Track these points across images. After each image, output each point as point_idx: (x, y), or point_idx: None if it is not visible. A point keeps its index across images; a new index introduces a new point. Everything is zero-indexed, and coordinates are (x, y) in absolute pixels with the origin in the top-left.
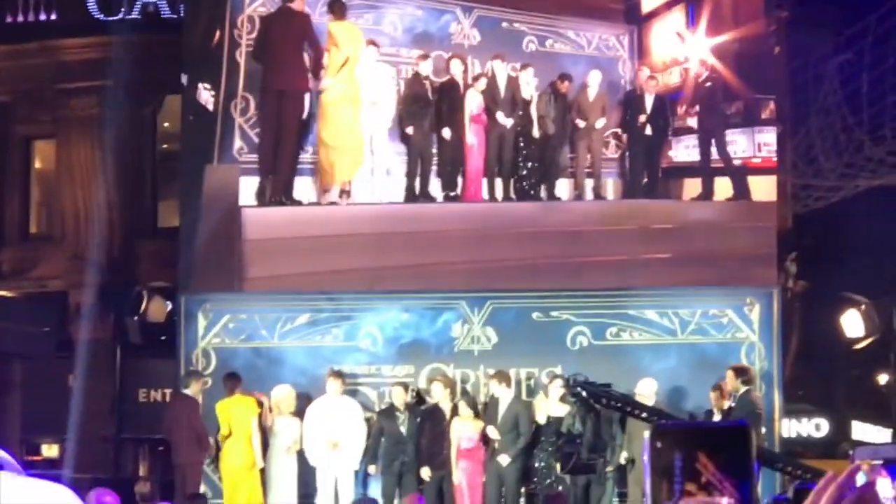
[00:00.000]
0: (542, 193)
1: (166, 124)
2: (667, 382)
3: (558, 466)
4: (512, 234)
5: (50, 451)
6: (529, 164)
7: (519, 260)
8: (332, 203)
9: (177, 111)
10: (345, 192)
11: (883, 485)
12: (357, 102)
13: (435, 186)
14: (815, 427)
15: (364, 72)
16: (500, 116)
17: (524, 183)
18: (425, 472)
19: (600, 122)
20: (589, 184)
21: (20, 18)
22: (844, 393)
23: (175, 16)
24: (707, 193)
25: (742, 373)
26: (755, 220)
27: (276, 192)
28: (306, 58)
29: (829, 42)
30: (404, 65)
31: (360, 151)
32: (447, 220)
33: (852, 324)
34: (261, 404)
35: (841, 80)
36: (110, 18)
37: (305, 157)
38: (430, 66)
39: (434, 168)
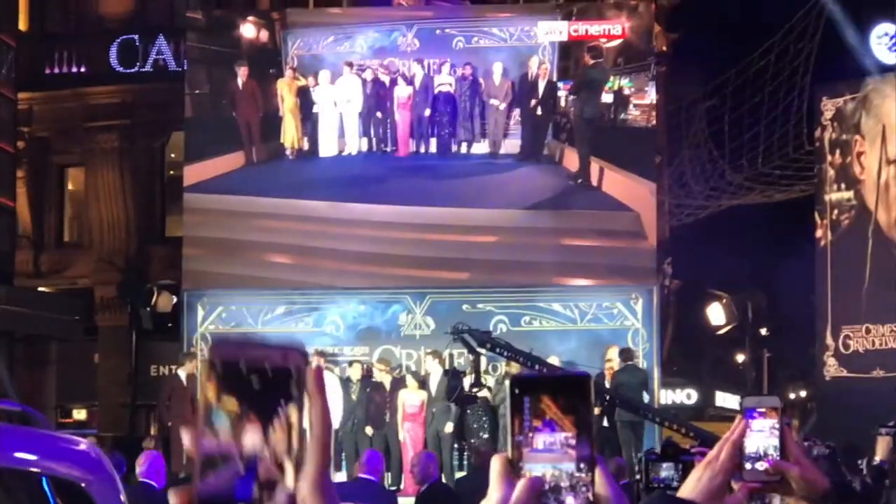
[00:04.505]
0: (463, 149)
1: (172, 155)
2: (569, 359)
3: (486, 426)
4: (446, 243)
5: (79, 414)
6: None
7: (452, 261)
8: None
9: (181, 144)
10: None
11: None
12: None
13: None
14: (686, 396)
15: (343, 81)
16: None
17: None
18: (368, 430)
19: (502, 105)
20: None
21: (56, 70)
22: (709, 369)
23: (179, 68)
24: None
25: (625, 353)
26: (639, 230)
27: None
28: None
29: (699, 91)
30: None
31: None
32: (394, 227)
33: (716, 314)
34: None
35: (707, 120)
36: (129, 71)
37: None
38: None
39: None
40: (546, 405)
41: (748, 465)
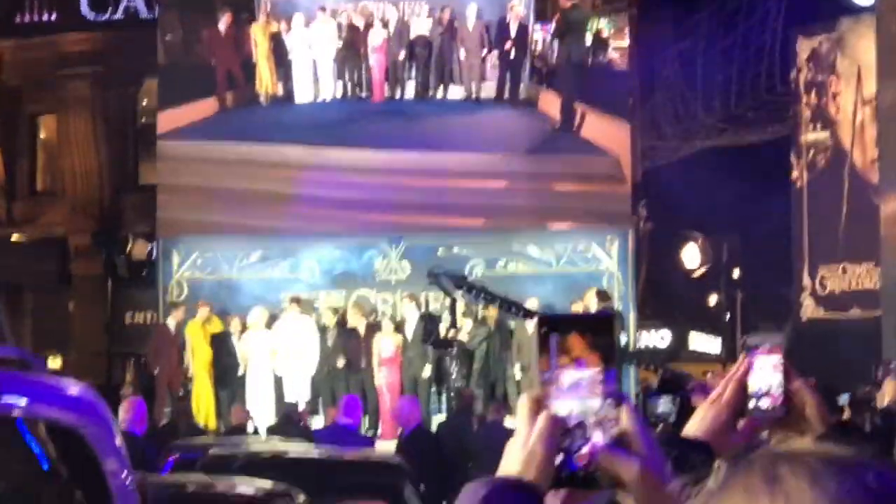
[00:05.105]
0: (439, 94)
1: (145, 102)
2: (545, 302)
3: (463, 369)
4: (422, 188)
5: (54, 363)
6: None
7: (428, 206)
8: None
9: (153, 91)
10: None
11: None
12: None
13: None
14: (660, 338)
15: (317, 25)
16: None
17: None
18: (342, 377)
19: (475, 46)
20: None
21: (27, 19)
22: (683, 311)
23: (151, 15)
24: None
25: (602, 295)
26: (616, 173)
27: None
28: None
29: (671, 32)
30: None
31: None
32: (369, 172)
33: (690, 256)
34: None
35: (680, 62)
36: (99, 18)
37: None
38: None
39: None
40: (573, 343)
41: (752, 403)
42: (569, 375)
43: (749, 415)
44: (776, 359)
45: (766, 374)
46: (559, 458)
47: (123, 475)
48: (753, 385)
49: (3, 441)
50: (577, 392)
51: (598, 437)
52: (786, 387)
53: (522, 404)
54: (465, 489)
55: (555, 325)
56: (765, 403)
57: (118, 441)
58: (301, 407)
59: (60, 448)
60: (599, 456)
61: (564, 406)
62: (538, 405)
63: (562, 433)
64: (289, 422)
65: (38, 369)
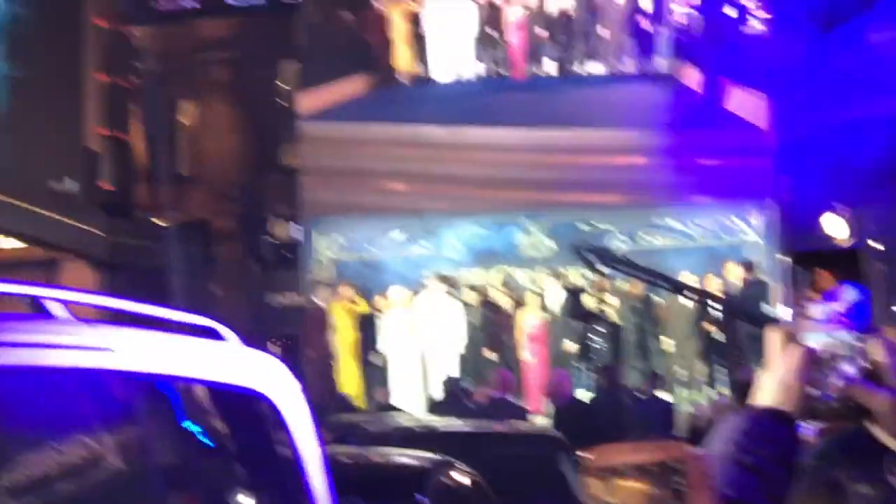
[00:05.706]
0: (580, 70)
1: (283, 84)
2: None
3: (611, 343)
4: (564, 165)
5: None
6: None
7: (567, 182)
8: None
9: (291, 73)
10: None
11: None
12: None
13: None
14: None
15: (455, 4)
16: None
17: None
18: (487, 353)
19: (615, 21)
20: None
21: (168, 7)
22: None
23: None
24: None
25: (748, 266)
26: (755, 145)
27: None
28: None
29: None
30: None
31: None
32: (511, 150)
33: (835, 226)
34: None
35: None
36: (239, 3)
37: None
38: None
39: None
40: (823, 278)
41: None
42: (819, 309)
43: None
44: None
45: None
46: (811, 390)
47: (315, 448)
48: None
49: (170, 414)
50: (827, 325)
51: (849, 369)
52: None
53: (774, 337)
54: (723, 420)
55: (807, 260)
56: None
57: (307, 414)
58: (463, 384)
59: (241, 422)
60: (850, 388)
61: (815, 339)
62: (790, 338)
63: (813, 365)
64: (454, 398)
65: (231, 339)
